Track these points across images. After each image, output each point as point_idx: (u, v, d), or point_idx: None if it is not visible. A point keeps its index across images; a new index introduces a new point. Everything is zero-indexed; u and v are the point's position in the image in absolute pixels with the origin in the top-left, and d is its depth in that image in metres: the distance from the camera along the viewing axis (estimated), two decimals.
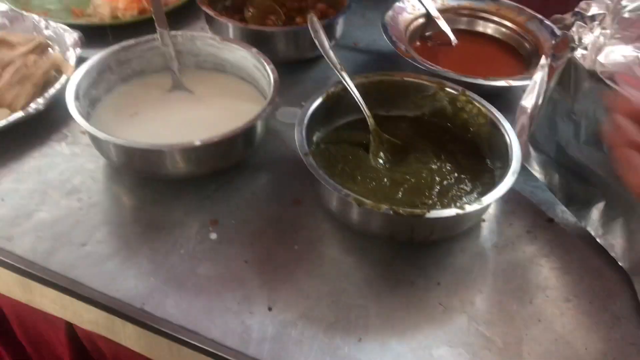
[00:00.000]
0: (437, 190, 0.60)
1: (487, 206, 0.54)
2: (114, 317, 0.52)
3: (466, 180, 0.62)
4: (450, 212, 0.52)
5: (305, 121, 0.61)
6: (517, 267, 0.57)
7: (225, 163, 0.64)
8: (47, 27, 0.80)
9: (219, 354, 0.48)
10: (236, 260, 0.56)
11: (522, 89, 0.67)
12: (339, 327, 0.50)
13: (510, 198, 0.64)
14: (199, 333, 0.49)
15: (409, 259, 0.57)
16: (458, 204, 0.56)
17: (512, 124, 0.63)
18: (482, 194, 0.58)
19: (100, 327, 0.57)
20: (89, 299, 0.52)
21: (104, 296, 0.52)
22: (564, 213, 0.63)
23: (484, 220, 0.62)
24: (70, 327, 0.63)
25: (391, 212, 0.51)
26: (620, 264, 0.56)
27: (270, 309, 0.51)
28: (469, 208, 0.52)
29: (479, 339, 0.50)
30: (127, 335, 0.56)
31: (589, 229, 0.59)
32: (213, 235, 0.58)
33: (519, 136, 0.62)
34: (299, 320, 0.51)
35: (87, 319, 0.57)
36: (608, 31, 0.55)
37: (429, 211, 0.51)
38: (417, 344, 0.50)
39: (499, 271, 0.56)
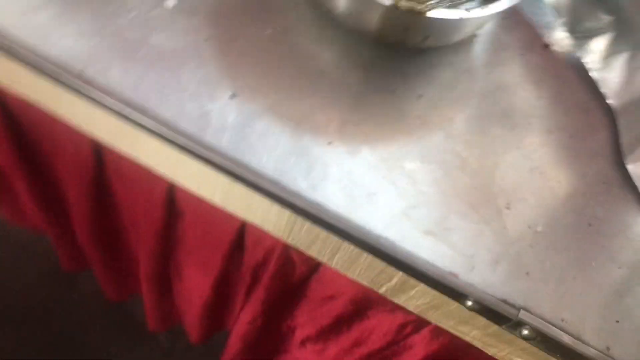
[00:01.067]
0: None
1: (491, 16, 0.47)
2: (46, 80, 0.44)
3: None
4: (454, 13, 0.45)
5: None
6: (504, 91, 0.52)
7: None
8: None
9: (171, 137, 0.42)
10: (196, 35, 0.47)
11: None
12: (308, 127, 0.45)
13: (509, 15, 0.57)
14: (148, 111, 0.43)
15: (392, 66, 0.51)
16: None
17: None
18: (484, 3, 0.51)
19: (30, 90, 0.49)
20: (16, 53, 0.43)
21: (34, 54, 0.43)
22: (562, 40, 0.57)
23: (476, 36, 0.55)
24: None
25: (389, 2, 0.43)
26: (608, 102, 0.53)
27: (233, 96, 0.45)
28: (474, 12, 0.45)
29: (454, 158, 0.47)
30: (62, 106, 0.48)
31: (585, 60, 0.54)
32: (170, 2, 0.48)
33: None
34: (265, 113, 0.45)
35: (15, 80, 0.49)
36: None
37: (430, 10, 0.44)
38: (389, 155, 0.46)
39: (485, 92, 0.52)
